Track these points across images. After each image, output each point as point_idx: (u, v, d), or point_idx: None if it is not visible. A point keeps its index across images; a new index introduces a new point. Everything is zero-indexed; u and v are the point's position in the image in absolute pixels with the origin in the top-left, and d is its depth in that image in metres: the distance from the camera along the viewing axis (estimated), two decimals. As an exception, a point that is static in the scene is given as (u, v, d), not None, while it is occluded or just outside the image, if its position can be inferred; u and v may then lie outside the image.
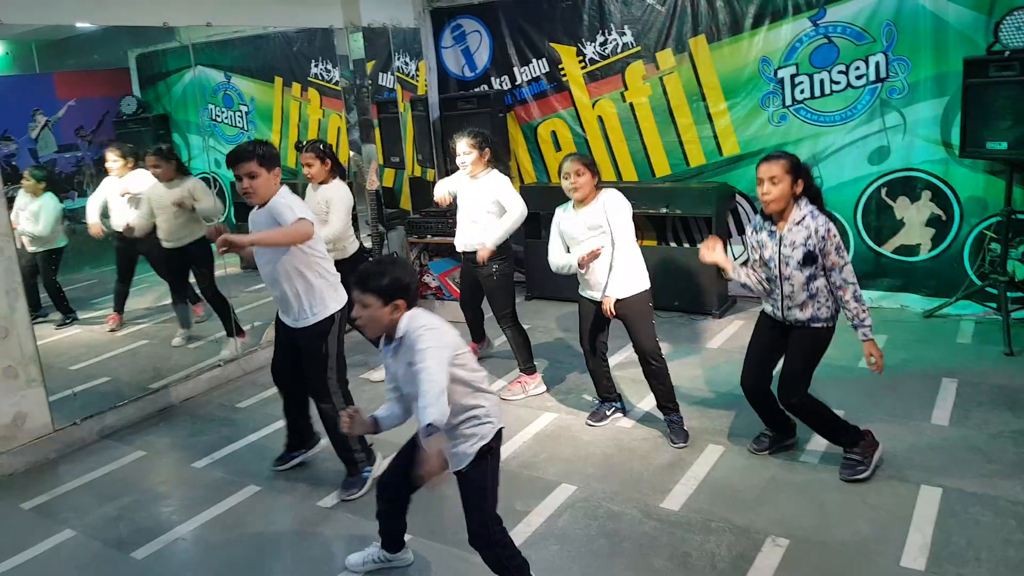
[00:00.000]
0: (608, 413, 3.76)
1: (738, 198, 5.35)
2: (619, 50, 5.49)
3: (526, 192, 5.87)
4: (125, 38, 7.82)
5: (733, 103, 5.18)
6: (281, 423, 4.00)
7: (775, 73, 5.00)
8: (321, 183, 4.23)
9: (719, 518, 2.88)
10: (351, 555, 2.75)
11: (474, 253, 4.08)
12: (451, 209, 5.78)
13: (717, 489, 3.09)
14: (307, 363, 3.20)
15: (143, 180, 5.14)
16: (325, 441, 3.42)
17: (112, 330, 5.60)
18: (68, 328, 5.71)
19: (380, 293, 2.22)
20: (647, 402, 3.91)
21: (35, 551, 3.03)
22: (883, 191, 4.89)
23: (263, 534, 3.04)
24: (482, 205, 4.09)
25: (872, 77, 4.74)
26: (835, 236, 2.91)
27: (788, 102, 5.01)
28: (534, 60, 5.85)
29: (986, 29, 4.31)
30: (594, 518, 2.95)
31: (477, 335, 4.62)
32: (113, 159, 5.25)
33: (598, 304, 3.48)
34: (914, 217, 4.83)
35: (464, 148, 4.03)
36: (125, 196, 5.15)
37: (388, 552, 2.70)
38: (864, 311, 2.93)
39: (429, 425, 2.05)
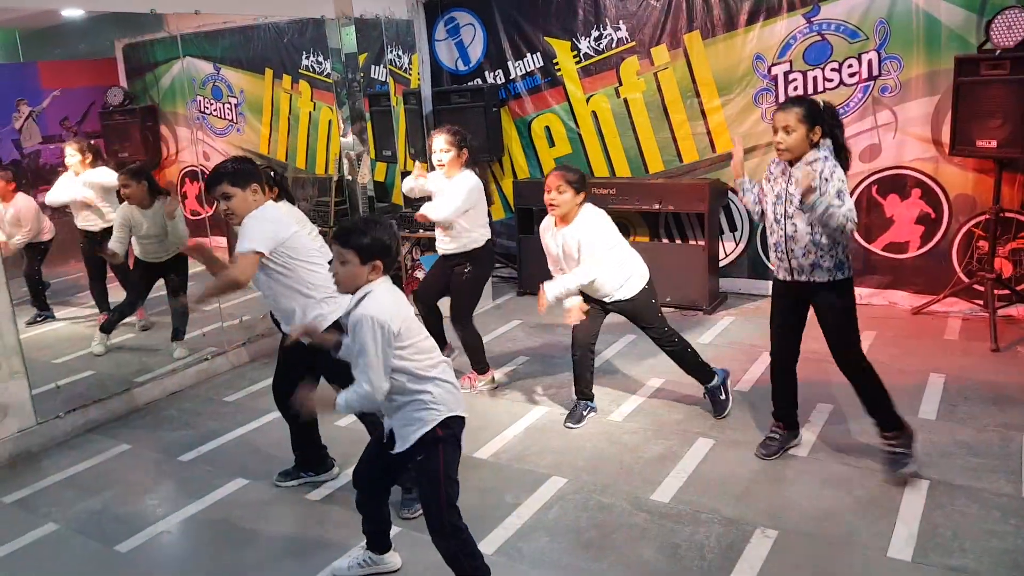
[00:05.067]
0: (584, 413, 3.71)
1: (731, 195, 5.36)
2: (614, 45, 5.49)
3: (520, 188, 5.89)
4: (112, 27, 7.70)
5: (727, 100, 5.19)
6: (271, 416, 4.01)
7: (769, 70, 5.02)
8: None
9: (708, 510, 2.89)
10: (336, 560, 2.69)
11: (452, 256, 3.97)
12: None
13: (707, 481, 3.10)
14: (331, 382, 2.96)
15: (102, 176, 4.99)
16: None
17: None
18: (41, 325, 5.60)
19: (360, 251, 2.20)
20: (635, 398, 3.93)
21: (16, 545, 2.99)
22: (874, 188, 4.91)
23: (250, 528, 3.02)
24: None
25: (865, 75, 4.77)
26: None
27: (781, 99, 5.02)
28: (528, 54, 5.84)
29: (977, 28, 4.34)
30: (584, 510, 2.95)
31: (439, 341, 4.16)
32: (71, 153, 5.03)
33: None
34: (904, 214, 4.87)
35: (442, 145, 3.85)
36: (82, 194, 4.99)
37: (374, 553, 2.63)
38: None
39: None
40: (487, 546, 2.76)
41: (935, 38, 4.53)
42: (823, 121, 2.86)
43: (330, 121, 6.85)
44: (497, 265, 5.91)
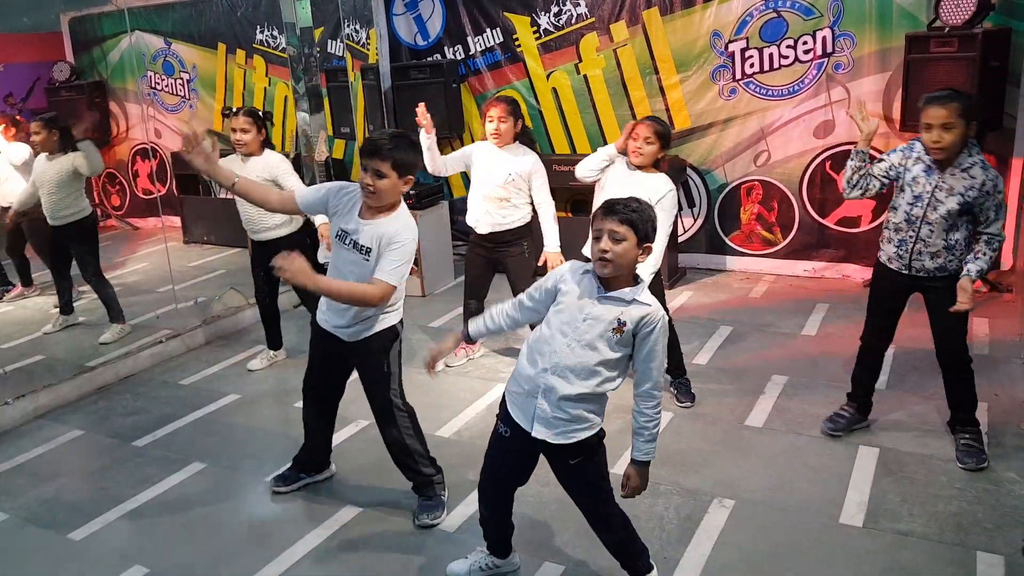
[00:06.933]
0: None
1: (689, 171, 5.41)
2: (573, 21, 5.46)
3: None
4: (57, 0, 7.43)
5: (685, 76, 5.21)
6: (228, 399, 3.95)
7: (726, 47, 5.05)
8: (250, 154, 3.88)
9: (668, 481, 2.95)
10: (453, 563, 2.51)
11: (491, 235, 3.79)
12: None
13: (666, 453, 3.15)
14: (368, 384, 2.80)
15: (23, 151, 4.86)
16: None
17: (19, 297, 5.40)
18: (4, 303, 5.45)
19: (636, 227, 1.95)
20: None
21: (-35, 534, 2.90)
22: (827, 164, 5.00)
23: (209, 513, 2.97)
24: (501, 179, 3.75)
25: (819, 52, 4.83)
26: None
27: (738, 76, 5.06)
28: (488, 30, 5.77)
29: (927, 6, 4.42)
30: (545, 485, 2.96)
31: None
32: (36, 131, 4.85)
33: None
34: (857, 190, 4.96)
35: (500, 114, 3.67)
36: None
37: (497, 558, 2.48)
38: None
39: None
40: (449, 523, 2.77)
41: (887, 16, 4.60)
42: (977, 116, 2.66)
43: (286, 97, 6.70)
44: (458, 243, 5.87)
